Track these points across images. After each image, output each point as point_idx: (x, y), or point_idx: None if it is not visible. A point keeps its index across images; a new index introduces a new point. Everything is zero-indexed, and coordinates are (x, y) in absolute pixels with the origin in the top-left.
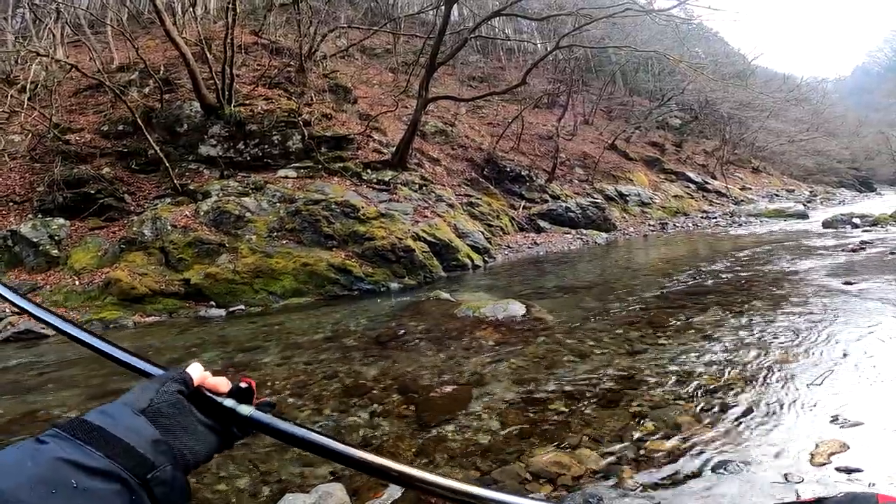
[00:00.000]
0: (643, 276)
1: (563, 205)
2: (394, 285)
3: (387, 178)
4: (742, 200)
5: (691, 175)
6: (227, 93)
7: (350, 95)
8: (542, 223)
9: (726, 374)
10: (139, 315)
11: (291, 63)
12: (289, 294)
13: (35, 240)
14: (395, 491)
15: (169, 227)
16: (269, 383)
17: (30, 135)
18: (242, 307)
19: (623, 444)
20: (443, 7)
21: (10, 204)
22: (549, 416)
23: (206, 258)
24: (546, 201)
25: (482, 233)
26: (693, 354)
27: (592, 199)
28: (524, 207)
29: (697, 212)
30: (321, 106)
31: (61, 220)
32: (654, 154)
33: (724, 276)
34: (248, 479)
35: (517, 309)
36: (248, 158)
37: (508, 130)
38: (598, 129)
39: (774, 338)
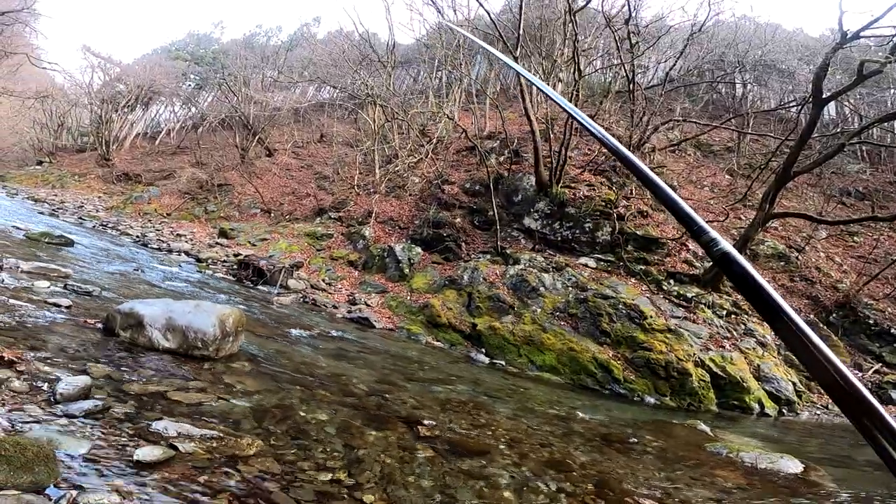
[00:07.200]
0: None
1: None
2: (650, 399)
3: (690, 295)
4: None
5: None
6: (558, 173)
7: None
8: (895, 395)
9: None
10: (431, 338)
11: None
12: (545, 368)
13: (399, 258)
14: None
15: (481, 279)
16: (492, 428)
17: (424, 180)
18: (503, 363)
19: None
20: (809, 106)
21: (396, 228)
22: None
23: (495, 313)
24: None
25: (794, 383)
26: None
27: None
28: (876, 371)
29: None
30: (639, 201)
31: (419, 250)
32: None
33: None
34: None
35: (790, 465)
36: (559, 239)
37: (889, 270)
38: None
39: None
